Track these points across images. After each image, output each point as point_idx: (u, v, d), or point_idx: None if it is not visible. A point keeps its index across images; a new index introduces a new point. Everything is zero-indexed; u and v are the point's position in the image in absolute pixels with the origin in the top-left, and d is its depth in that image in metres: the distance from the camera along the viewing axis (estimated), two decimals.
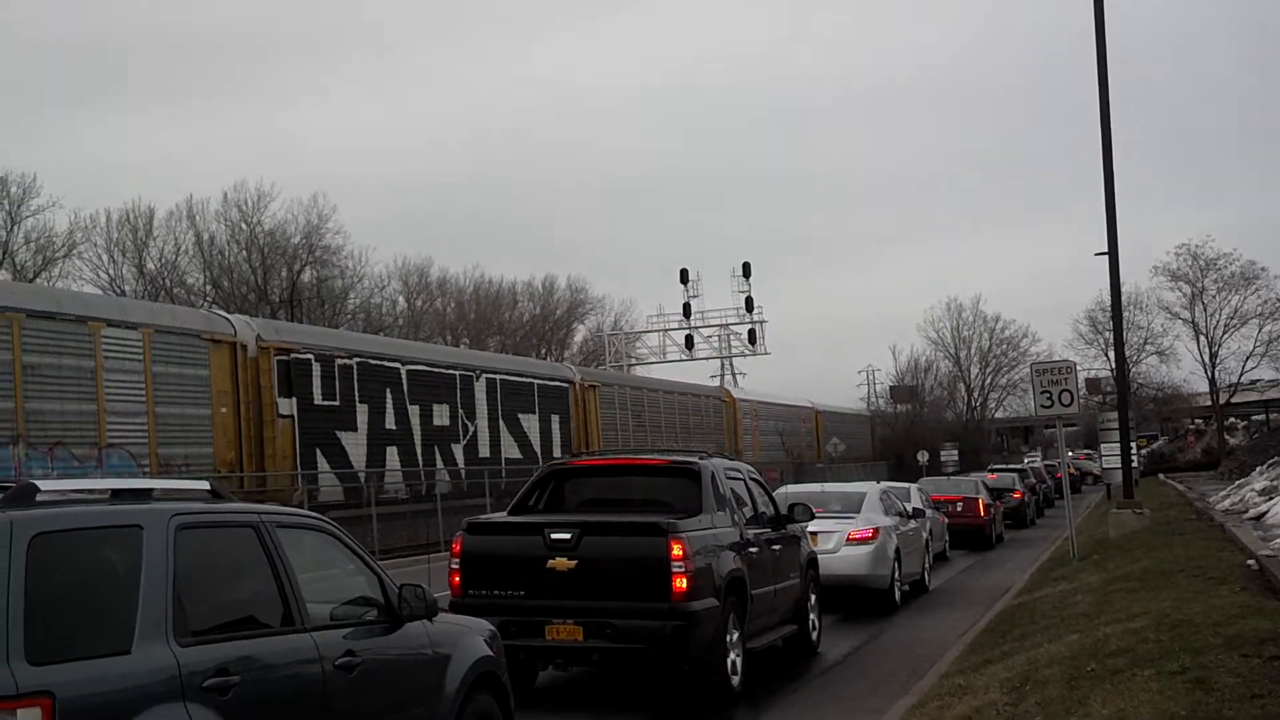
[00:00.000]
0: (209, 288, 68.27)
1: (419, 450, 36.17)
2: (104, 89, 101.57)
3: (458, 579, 12.27)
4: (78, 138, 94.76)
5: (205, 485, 7.09)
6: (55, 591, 5.54)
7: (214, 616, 6.42)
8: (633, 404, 51.51)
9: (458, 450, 38.16)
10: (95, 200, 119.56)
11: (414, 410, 36.06)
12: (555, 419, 44.43)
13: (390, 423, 34.86)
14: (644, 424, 51.85)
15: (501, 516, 13.62)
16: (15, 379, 23.45)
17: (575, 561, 11.74)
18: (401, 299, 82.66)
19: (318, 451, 31.51)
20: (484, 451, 39.37)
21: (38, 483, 5.96)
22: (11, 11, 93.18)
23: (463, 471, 37.82)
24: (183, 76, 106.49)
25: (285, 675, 6.63)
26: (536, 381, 44.05)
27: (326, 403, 32.05)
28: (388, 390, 34.92)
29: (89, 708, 5.43)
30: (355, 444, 33.16)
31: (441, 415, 37.58)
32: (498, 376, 41.31)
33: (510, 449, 40.86)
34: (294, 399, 30.65)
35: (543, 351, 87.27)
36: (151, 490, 6.66)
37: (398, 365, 35.86)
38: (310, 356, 31.64)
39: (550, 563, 11.81)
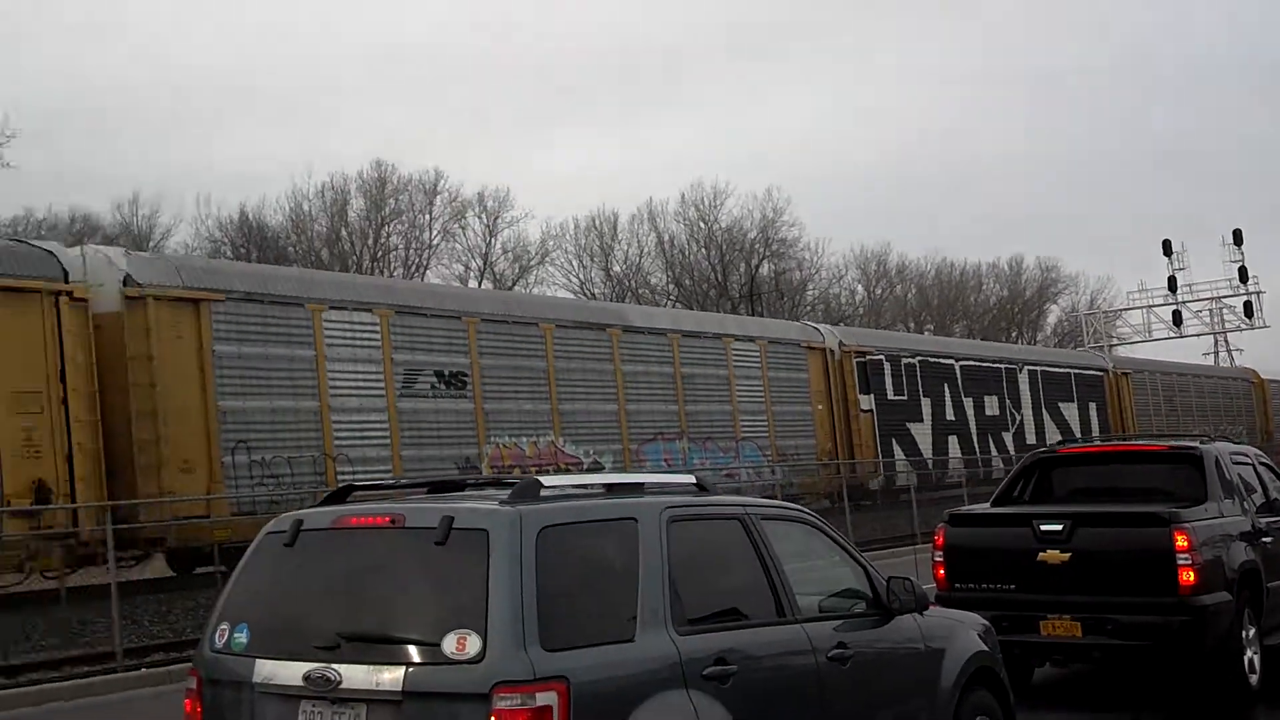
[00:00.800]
0: (671, 286, 64.71)
1: (974, 438, 36.92)
2: (565, 101, 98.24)
3: (942, 572, 10.98)
4: (546, 150, 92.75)
5: (692, 479, 6.56)
6: (562, 582, 5.18)
7: (707, 606, 5.87)
8: (1163, 389, 48.86)
9: (1007, 438, 38.51)
10: (563, 209, 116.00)
11: (968, 402, 36.98)
12: (1092, 406, 43.57)
13: (949, 414, 36.02)
14: (1175, 409, 48.72)
15: (985, 508, 12.13)
16: (676, 386, 26.86)
17: (1068, 554, 10.23)
18: (860, 287, 76.08)
19: (892, 441, 33.25)
20: (1030, 439, 39.16)
21: (540, 479, 5.63)
22: (475, 32, 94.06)
23: (1013, 459, 37.21)
24: (637, 83, 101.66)
25: (780, 666, 5.98)
26: (1073, 371, 43.60)
27: (896, 398, 33.77)
28: (945, 385, 36.02)
29: (600, 693, 5.03)
30: (922, 434, 34.62)
31: (991, 406, 38.22)
32: (1038, 368, 41.42)
33: (1052, 435, 40.31)
34: (871, 395, 32.69)
35: (1013, 335, 78.80)
36: (643, 484, 6.21)
37: (952, 362, 36.90)
38: (881, 357, 33.49)
39: (1041, 555, 10.34)
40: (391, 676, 4.88)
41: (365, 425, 20.94)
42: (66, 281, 17.90)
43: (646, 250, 64.93)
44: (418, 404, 21.62)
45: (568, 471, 22.57)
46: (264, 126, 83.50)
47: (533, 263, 62.17)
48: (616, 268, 64.39)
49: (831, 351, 31.64)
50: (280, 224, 58.92)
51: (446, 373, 22.05)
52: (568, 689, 4.84)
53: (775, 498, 18.41)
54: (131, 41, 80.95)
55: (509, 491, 5.45)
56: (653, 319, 28.11)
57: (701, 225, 64.35)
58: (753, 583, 6.11)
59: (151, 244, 52.59)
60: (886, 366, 33.28)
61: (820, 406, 30.92)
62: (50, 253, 18.57)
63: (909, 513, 25.96)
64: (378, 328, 21.18)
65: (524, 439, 23.03)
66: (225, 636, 5.39)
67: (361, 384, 20.94)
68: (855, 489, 29.18)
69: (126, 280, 18.58)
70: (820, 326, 33.91)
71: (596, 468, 23.61)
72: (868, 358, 32.61)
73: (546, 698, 4.78)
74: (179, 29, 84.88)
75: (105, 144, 76.95)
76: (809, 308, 64.99)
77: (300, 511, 5.68)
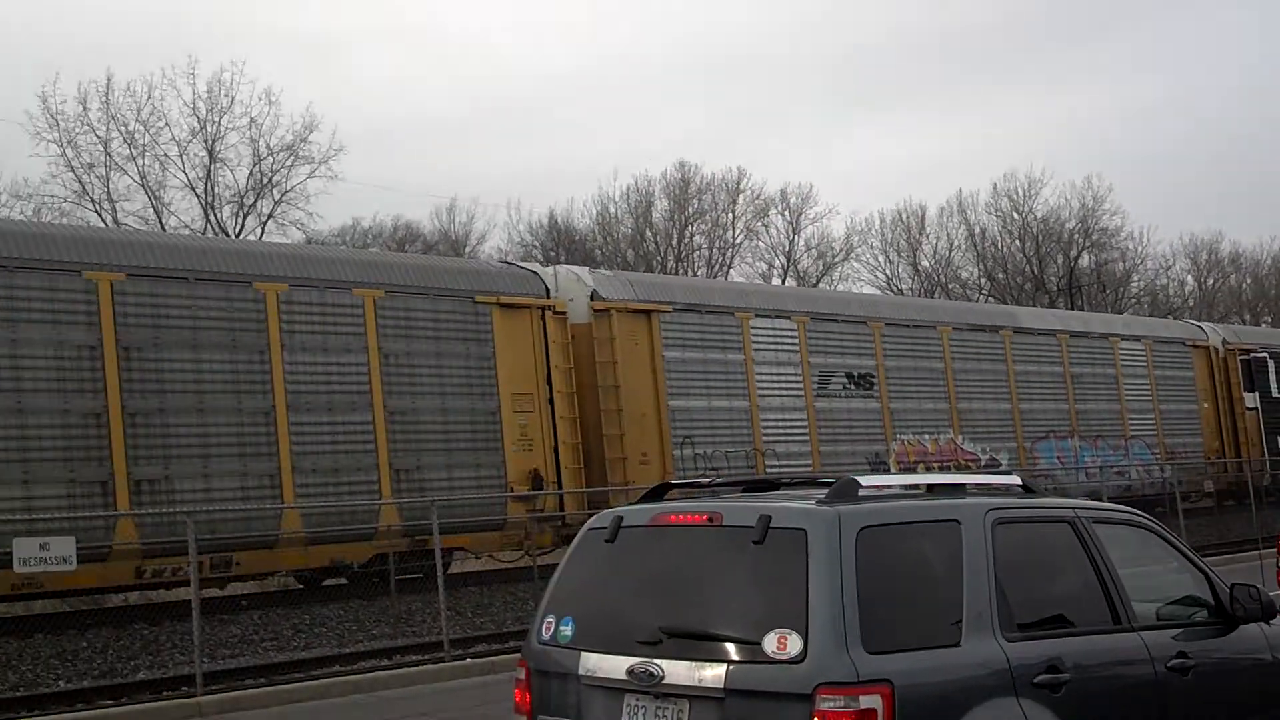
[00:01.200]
0: (983, 280, 55.18)
1: None
2: (866, 94, 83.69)
3: None
4: (850, 144, 79.81)
5: (1017, 480, 5.64)
6: (883, 583, 4.51)
7: (1036, 612, 4.99)
8: None
9: None
10: (868, 203, 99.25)
11: None
12: None
13: None
14: None
15: None
16: (1066, 385, 24.76)
17: None
18: (1190, 278, 62.29)
19: (1278, 439, 29.55)
20: None
21: (858, 479, 4.96)
22: (774, 26, 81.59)
23: None
24: (945, 72, 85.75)
25: (1116, 675, 5.04)
26: None
27: None
28: None
29: (925, 698, 4.35)
30: None
31: None
32: None
33: None
34: (1255, 393, 29.32)
35: None
36: (965, 485, 5.40)
37: None
38: (1265, 355, 29.92)
39: None
40: (714, 674, 4.38)
41: (788, 423, 20.65)
42: (548, 297, 18.48)
43: (956, 244, 55.90)
44: (831, 403, 21.14)
45: (967, 469, 21.31)
46: (569, 131, 77.19)
47: (837, 259, 54.85)
48: (925, 262, 55.99)
49: (1215, 349, 28.47)
50: (587, 227, 53.50)
51: (856, 374, 21.46)
52: (892, 692, 4.21)
53: (1102, 498, 15.92)
54: (445, 57, 77.33)
55: (826, 491, 4.85)
56: (1042, 320, 26.16)
57: (1015, 216, 54.96)
58: (1085, 588, 5.19)
59: (467, 250, 49.66)
60: (1271, 364, 29.57)
61: (1206, 405, 27.90)
62: (534, 273, 19.21)
63: (1247, 516, 21.53)
64: (796, 333, 20.93)
65: (926, 436, 22.01)
66: (552, 629, 5.02)
67: (783, 385, 20.72)
68: (1187, 492, 25.06)
69: (593, 295, 18.95)
70: (1203, 325, 30.51)
71: (994, 464, 22.18)
72: (1251, 355, 29.18)
73: (870, 701, 4.18)
74: (488, 43, 79.83)
75: (423, 155, 72.92)
76: (1134, 300, 55.54)
77: (620, 508, 5.28)
